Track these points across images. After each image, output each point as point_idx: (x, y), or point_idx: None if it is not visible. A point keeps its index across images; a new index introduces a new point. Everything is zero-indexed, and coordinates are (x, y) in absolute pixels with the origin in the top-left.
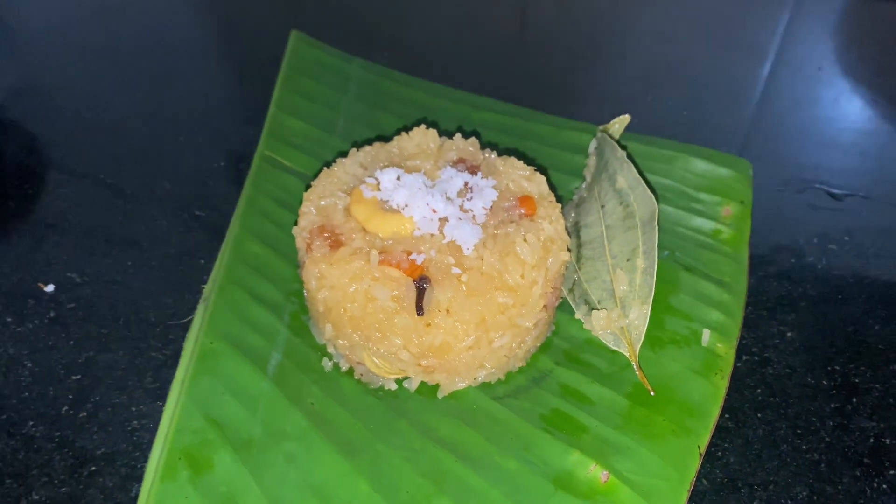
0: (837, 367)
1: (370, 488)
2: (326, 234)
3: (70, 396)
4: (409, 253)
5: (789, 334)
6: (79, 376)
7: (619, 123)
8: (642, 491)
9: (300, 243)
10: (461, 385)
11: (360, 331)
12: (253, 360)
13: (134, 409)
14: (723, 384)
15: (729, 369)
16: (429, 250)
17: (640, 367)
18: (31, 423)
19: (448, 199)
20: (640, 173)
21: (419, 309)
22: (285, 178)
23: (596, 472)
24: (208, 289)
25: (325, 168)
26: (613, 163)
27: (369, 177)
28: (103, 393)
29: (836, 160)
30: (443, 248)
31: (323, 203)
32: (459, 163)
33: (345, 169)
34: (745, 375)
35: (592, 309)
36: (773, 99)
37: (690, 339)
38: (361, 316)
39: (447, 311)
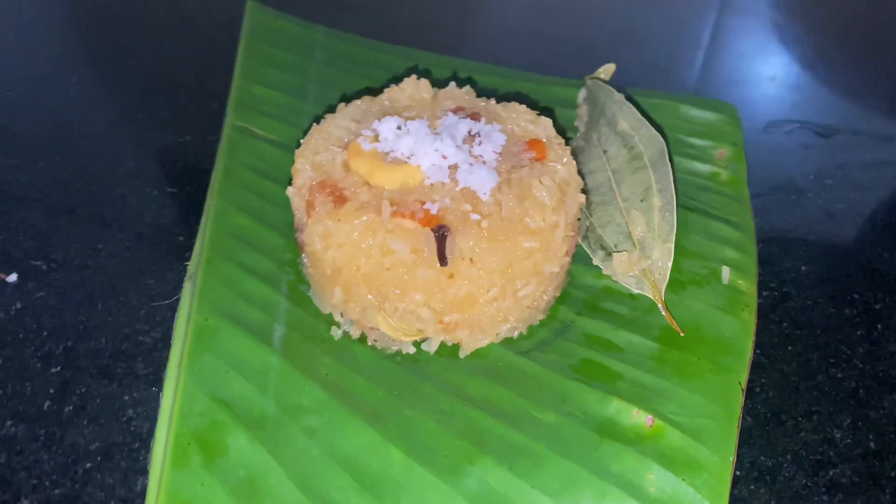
0: (857, 296)
1: (405, 455)
2: (328, 190)
3: (51, 390)
4: (423, 202)
5: (804, 268)
6: (58, 368)
7: (604, 73)
8: (691, 431)
9: (298, 203)
10: (484, 342)
11: (374, 290)
12: (255, 333)
13: (127, 397)
14: (751, 319)
15: (754, 304)
16: (443, 198)
17: (666, 308)
18: (9, 422)
19: (457, 145)
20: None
21: (442, 258)
22: (261, 147)
23: (640, 418)
24: (193, 265)
25: (314, 125)
26: (611, 107)
27: (366, 129)
28: (89, 384)
29: (817, 100)
30: (457, 196)
31: (319, 159)
32: (458, 111)
33: (336, 123)
34: (769, 311)
35: (610, 253)
36: (731, 44)
37: (710, 277)
38: (377, 273)
39: (470, 260)
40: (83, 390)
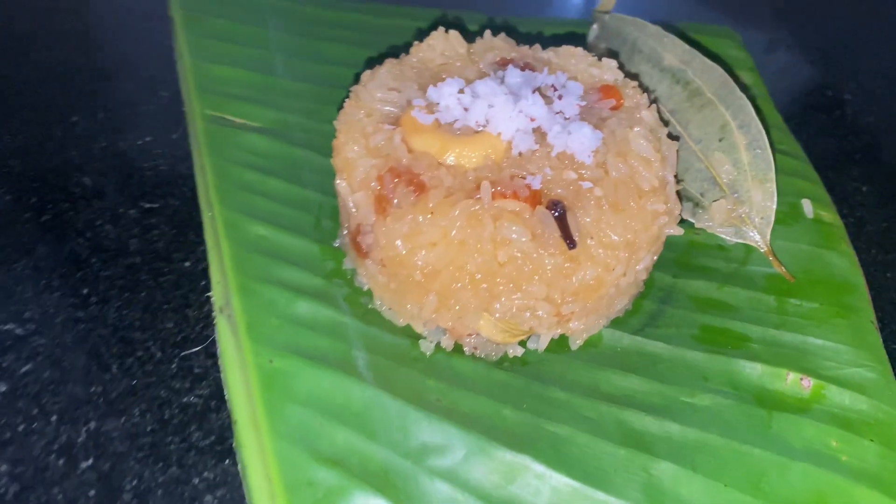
0: None
1: (572, 479)
2: (404, 179)
3: (91, 493)
4: (522, 176)
5: (864, 188)
6: (89, 461)
7: (604, 6)
8: (853, 385)
9: (361, 200)
10: (595, 329)
11: (482, 291)
12: (335, 367)
13: (197, 480)
14: (851, 251)
15: (846, 235)
16: (541, 169)
17: (774, 255)
18: None
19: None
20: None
21: (569, 239)
22: (246, 138)
23: (794, 381)
24: (219, 295)
25: (344, 102)
26: (647, 41)
27: (415, 97)
28: (139, 473)
29: (809, 20)
30: (555, 163)
31: (374, 141)
32: (505, 63)
33: (372, 95)
34: (853, 238)
35: (698, 204)
36: None
37: (793, 214)
38: (489, 270)
39: (590, 237)
40: (135, 483)
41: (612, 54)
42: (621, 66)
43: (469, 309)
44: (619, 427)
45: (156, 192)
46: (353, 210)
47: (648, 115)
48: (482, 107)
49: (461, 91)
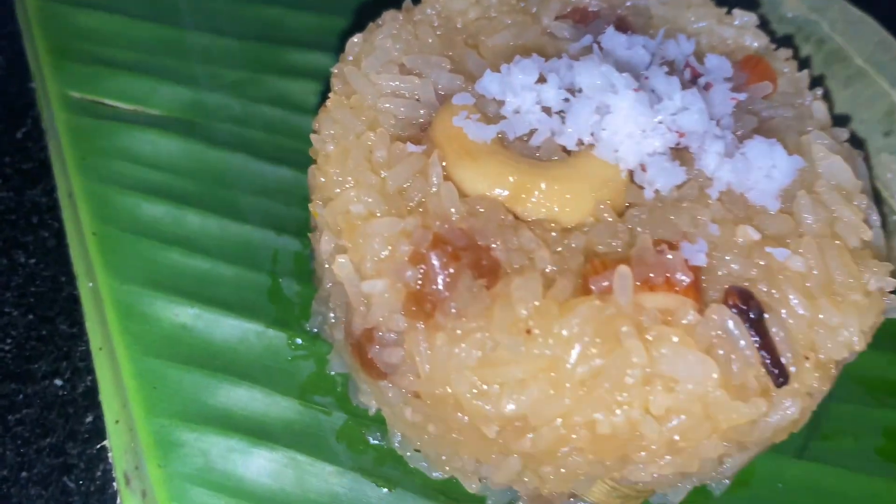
0: None
1: None
2: (461, 258)
3: None
4: (672, 244)
5: None
6: None
7: None
8: None
9: (381, 292)
10: (745, 460)
11: (612, 455)
12: None
13: None
14: None
15: None
16: (702, 225)
17: None
18: None
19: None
20: None
21: (779, 369)
22: (136, 137)
23: None
24: (121, 453)
25: (327, 97)
26: None
27: (456, 91)
28: None
29: None
30: (720, 213)
31: (400, 180)
32: (585, 17)
33: (371, 83)
34: None
35: None
36: None
37: None
38: (632, 426)
39: (806, 358)
40: None
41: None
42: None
43: (576, 475)
44: None
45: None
46: (362, 305)
47: (820, 107)
48: (585, 110)
49: (541, 80)
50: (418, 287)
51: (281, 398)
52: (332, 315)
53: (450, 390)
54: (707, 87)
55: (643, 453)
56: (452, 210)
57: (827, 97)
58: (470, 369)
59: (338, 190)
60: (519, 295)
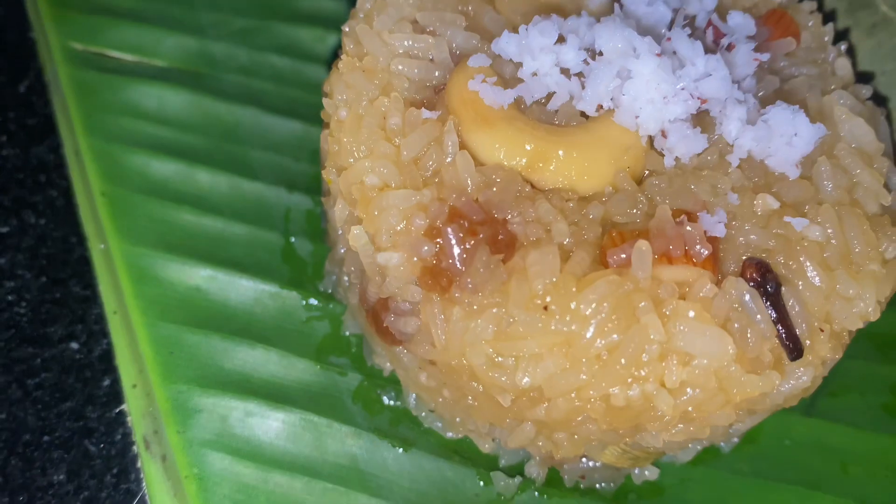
0: None
1: None
2: (478, 232)
3: None
4: (690, 215)
5: None
6: None
7: None
8: None
9: (397, 264)
10: (755, 419)
11: (624, 424)
12: None
13: None
14: None
15: None
16: (722, 193)
17: None
18: None
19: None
20: None
21: (794, 343)
22: (140, 91)
23: None
24: (140, 418)
25: (338, 56)
26: None
27: (472, 52)
28: None
29: None
30: (740, 181)
31: (414, 149)
32: None
33: (384, 43)
34: None
35: None
36: None
37: None
38: (647, 399)
39: (820, 329)
40: None
41: None
42: None
43: (589, 441)
44: None
45: (1, 204)
46: (377, 275)
47: (844, 63)
48: (606, 75)
49: (560, 40)
50: (434, 262)
51: (297, 360)
52: (345, 278)
53: (465, 361)
54: (730, 48)
55: (656, 423)
56: (468, 181)
57: (850, 52)
58: (486, 342)
59: (351, 160)
60: (535, 270)
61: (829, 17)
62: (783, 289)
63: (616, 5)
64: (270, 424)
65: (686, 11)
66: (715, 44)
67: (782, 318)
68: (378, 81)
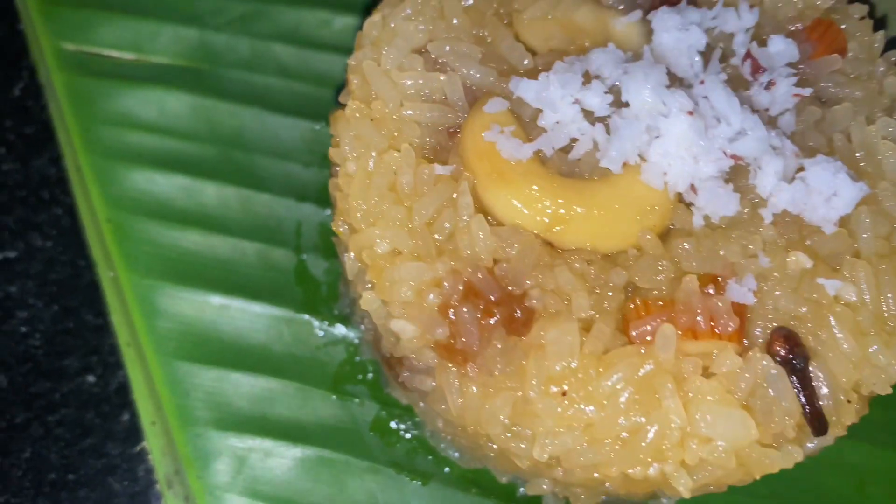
0: None
1: None
2: (495, 308)
3: None
4: (718, 283)
5: None
6: None
7: None
8: None
9: (411, 335)
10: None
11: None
12: None
13: None
14: None
15: None
16: (749, 254)
17: None
18: None
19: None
20: None
21: (818, 419)
22: (130, 97)
23: None
24: (161, 456)
25: (342, 107)
26: None
27: (492, 98)
28: None
29: None
30: (771, 237)
31: (426, 213)
32: None
33: (392, 83)
34: None
35: None
36: None
37: None
38: (661, 470)
39: (847, 400)
40: None
41: None
42: None
43: (607, 493)
44: None
45: (6, 226)
46: (391, 335)
47: (893, 83)
48: (633, 131)
49: (587, 78)
50: (449, 344)
51: (313, 391)
52: (360, 324)
53: (481, 430)
54: (769, 85)
55: (674, 492)
56: (483, 250)
57: None
58: (506, 416)
59: (362, 224)
60: (554, 350)
61: (879, 23)
62: (811, 366)
63: (647, 50)
64: (289, 463)
65: (722, 27)
66: (752, 77)
67: (809, 395)
68: (387, 132)
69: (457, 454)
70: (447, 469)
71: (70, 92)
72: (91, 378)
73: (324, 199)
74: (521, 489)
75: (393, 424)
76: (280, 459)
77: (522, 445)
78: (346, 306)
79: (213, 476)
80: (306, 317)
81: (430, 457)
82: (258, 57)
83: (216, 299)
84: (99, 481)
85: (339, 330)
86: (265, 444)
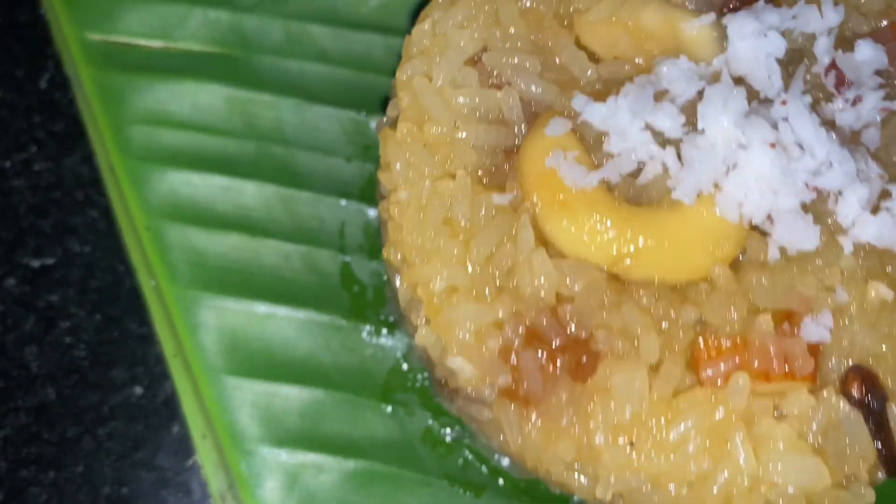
0: None
1: None
2: (559, 353)
3: None
4: (791, 321)
5: None
6: None
7: None
8: None
9: (469, 374)
10: None
11: None
12: None
13: None
14: None
15: None
16: (825, 287)
17: None
18: None
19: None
20: None
21: (894, 467)
22: (162, 91)
23: None
24: (214, 470)
25: (384, 125)
26: None
27: (553, 118)
28: None
29: None
30: (850, 268)
31: (483, 249)
32: None
33: (446, 102)
34: None
35: None
36: None
37: None
38: None
39: None
40: None
41: None
42: None
43: None
44: None
45: (42, 231)
46: (447, 370)
47: None
48: (708, 162)
49: (657, 97)
50: (511, 388)
51: (363, 402)
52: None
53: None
54: (856, 101)
55: None
56: (545, 289)
57: None
58: (572, 458)
59: (416, 259)
60: (621, 396)
61: None
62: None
63: (725, 71)
64: (341, 478)
65: (803, 28)
66: (836, 90)
67: (885, 439)
68: (440, 157)
69: (506, 461)
70: (501, 480)
71: (99, 88)
72: (138, 390)
73: (367, 195)
74: (576, 498)
75: (444, 434)
76: (332, 475)
77: (584, 481)
78: (394, 311)
79: (267, 494)
80: (354, 323)
81: (483, 467)
82: (293, 40)
83: (262, 308)
84: (152, 495)
85: (387, 336)
86: (317, 458)
